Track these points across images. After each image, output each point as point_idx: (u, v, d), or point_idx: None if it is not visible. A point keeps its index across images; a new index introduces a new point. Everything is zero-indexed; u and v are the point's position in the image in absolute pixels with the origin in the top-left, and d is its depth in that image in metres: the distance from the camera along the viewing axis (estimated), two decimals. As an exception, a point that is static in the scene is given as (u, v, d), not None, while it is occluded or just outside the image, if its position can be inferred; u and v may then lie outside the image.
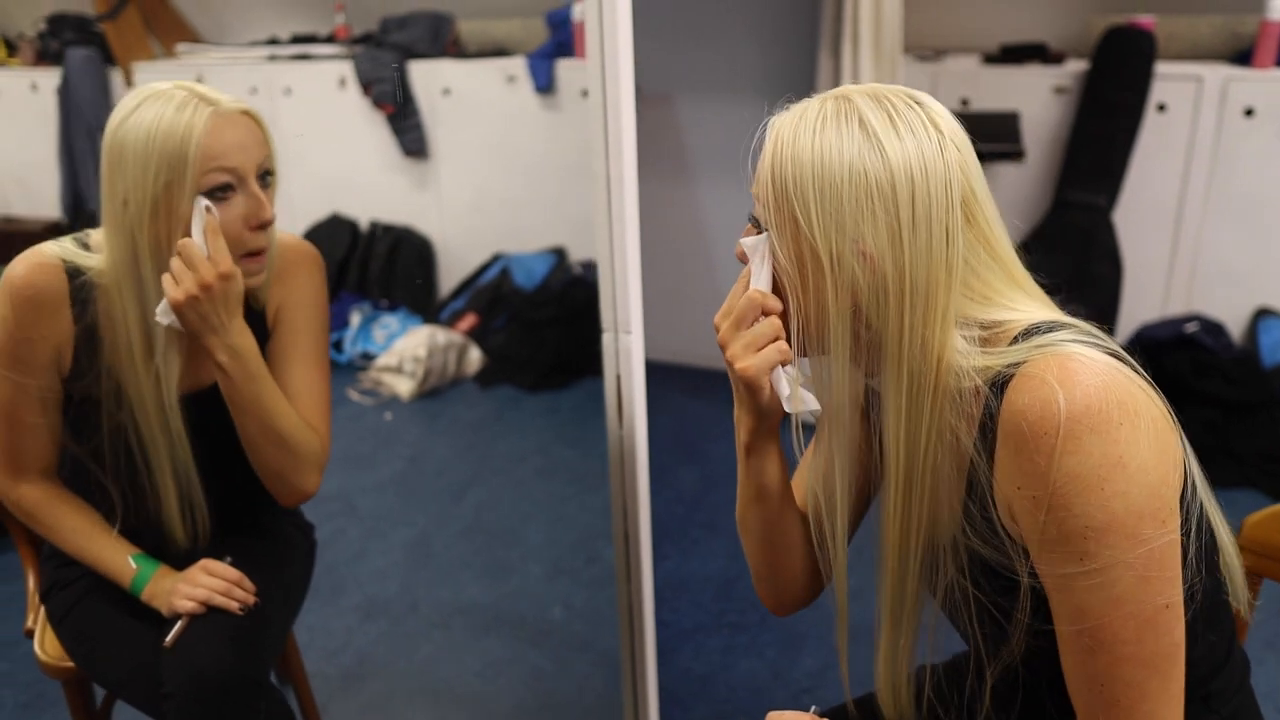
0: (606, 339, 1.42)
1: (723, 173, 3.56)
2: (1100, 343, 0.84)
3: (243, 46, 4.71)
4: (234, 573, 1.29)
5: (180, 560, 1.35)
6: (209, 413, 1.28)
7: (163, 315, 1.18)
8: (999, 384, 0.82)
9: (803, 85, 3.34)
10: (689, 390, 3.52)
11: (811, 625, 2.23)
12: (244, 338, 1.20)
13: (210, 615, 1.27)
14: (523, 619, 2.31)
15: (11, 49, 5.53)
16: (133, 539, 1.35)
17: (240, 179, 1.17)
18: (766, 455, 0.99)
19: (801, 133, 0.88)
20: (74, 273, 1.23)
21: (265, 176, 1.21)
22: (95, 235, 1.26)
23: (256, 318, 1.34)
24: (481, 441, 3.27)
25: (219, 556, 1.36)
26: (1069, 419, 0.76)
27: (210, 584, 1.27)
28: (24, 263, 1.22)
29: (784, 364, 0.91)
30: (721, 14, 3.41)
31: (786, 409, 0.92)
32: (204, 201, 1.14)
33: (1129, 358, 0.84)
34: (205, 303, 1.14)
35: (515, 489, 2.93)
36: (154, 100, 1.14)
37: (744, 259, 0.94)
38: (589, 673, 2.13)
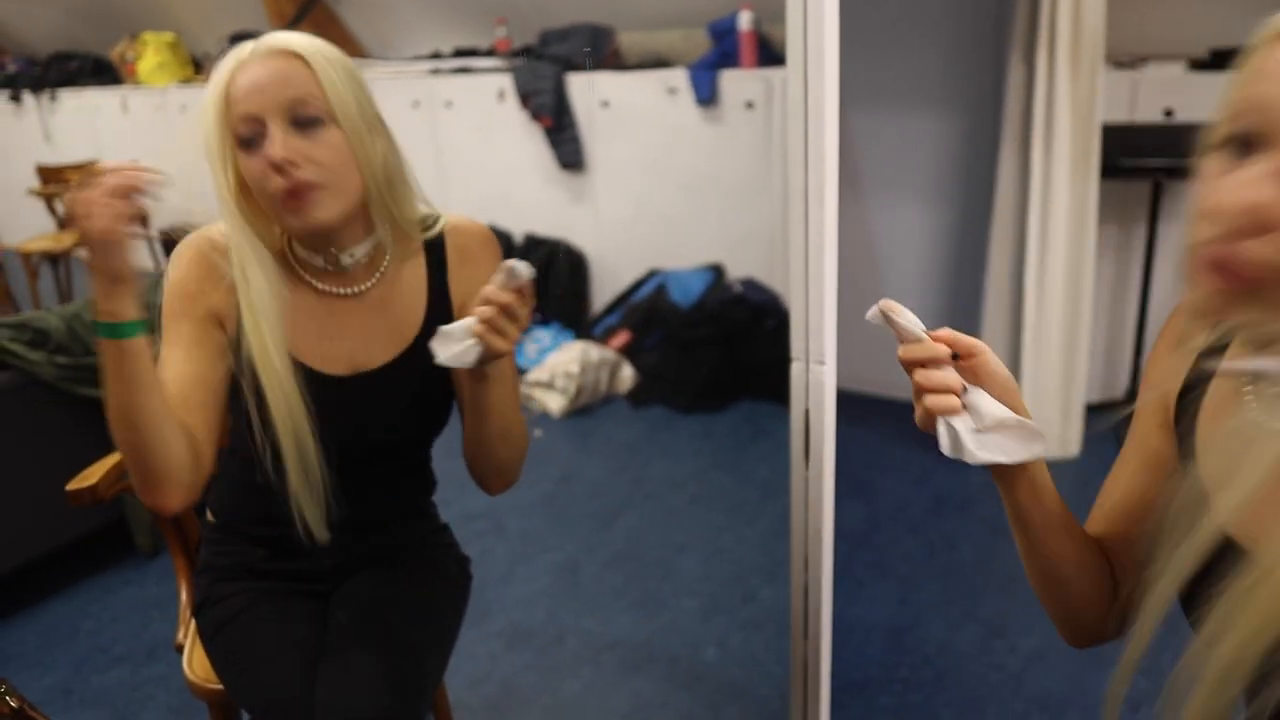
0: (795, 369, 1.27)
1: (895, 189, 3.35)
2: None
3: (406, 61, 4.79)
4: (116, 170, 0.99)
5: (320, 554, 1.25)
6: (373, 393, 1.20)
7: (455, 360, 1.08)
8: None
9: (987, 96, 3.11)
10: (853, 418, 3.30)
11: (994, 689, 2.02)
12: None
13: (366, 656, 1.19)
14: (675, 658, 2.17)
15: (199, 68, 5.83)
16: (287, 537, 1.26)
17: (260, 124, 1.10)
18: (1010, 486, 0.85)
19: None
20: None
21: (301, 117, 1.10)
22: None
23: (443, 308, 1.26)
24: (634, 464, 3.16)
25: (377, 585, 1.31)
26: None
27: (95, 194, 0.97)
28: (189, 237, 1.23)
29: (948, 414, 0.81)
30: (897, 20, 3.21)
31: (947, 454, 0.82)
32: (512, 265, 1.05)
33: None
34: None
35: (668, 516, 2.80)
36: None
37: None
38: (746, 724, 1.98)
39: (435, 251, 1.27)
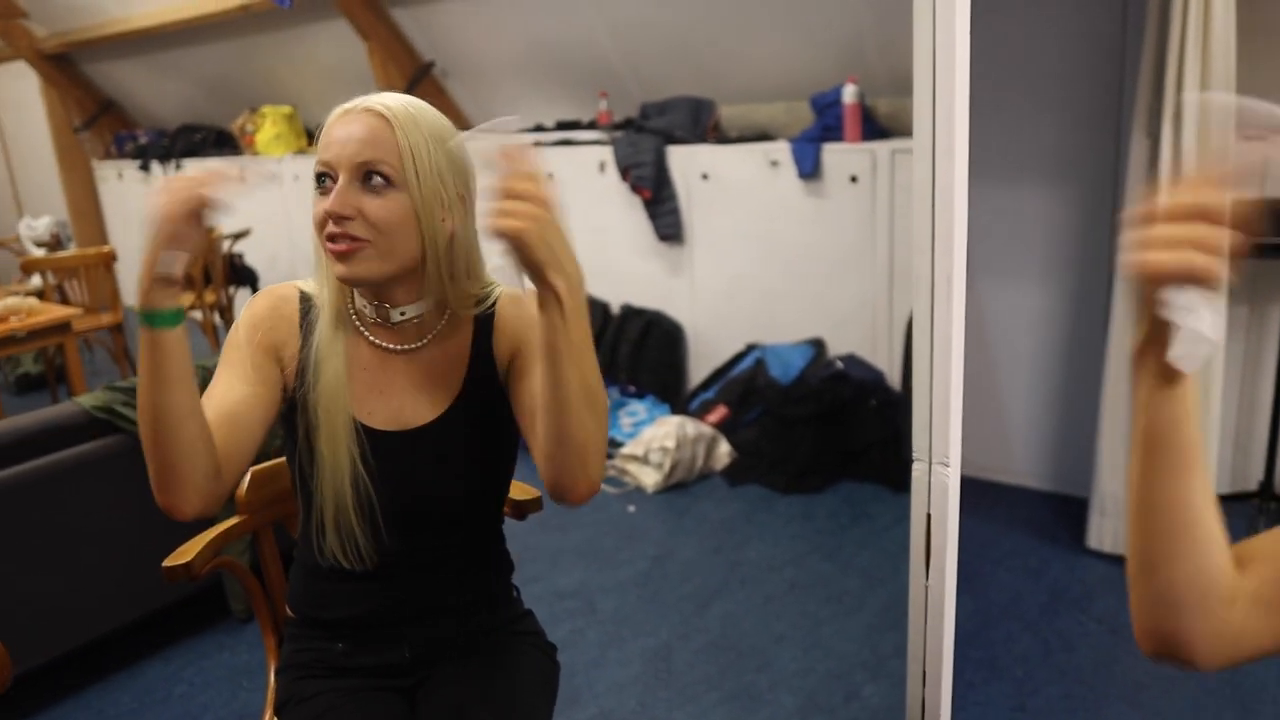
0: (917, 470, 1.19)
1: (1006, 265, 3.23)
2: None
3: (510, 133, 4.88)
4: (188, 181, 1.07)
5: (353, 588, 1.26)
6: (415, 452, 1.16)
7: (499, 274, 1.10)
8: None
9: (1105, 170, 2.99)
10: (963, 506, 3.16)
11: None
12: (576, 266, 1.04)
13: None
14: (772, 760, 2.05)
15: (311, 139, 6.07)
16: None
17: (334, 172, 1.14)
18: (1152, 388, 0.72)
19: None
20: (305, 298, 1.25)
21: (371, 176, 1.12)
22: None
23: (484, 372, 1.24)
24: (729, 545, 3.06)
25: (459, 682, 1.26)
26: None
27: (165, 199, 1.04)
28: (269, 287, 1.28)
29: (1200, 284, 0.65)
30: (1008, 88, 3.12)
31: (1170, 353, 0.68)
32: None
33: None
34: (548, 226, 1.00)
35: (765, 604, 2.69)
36: None
37: None
38: (849, 838, 1.85)
39: (485, 318, 1.25)
